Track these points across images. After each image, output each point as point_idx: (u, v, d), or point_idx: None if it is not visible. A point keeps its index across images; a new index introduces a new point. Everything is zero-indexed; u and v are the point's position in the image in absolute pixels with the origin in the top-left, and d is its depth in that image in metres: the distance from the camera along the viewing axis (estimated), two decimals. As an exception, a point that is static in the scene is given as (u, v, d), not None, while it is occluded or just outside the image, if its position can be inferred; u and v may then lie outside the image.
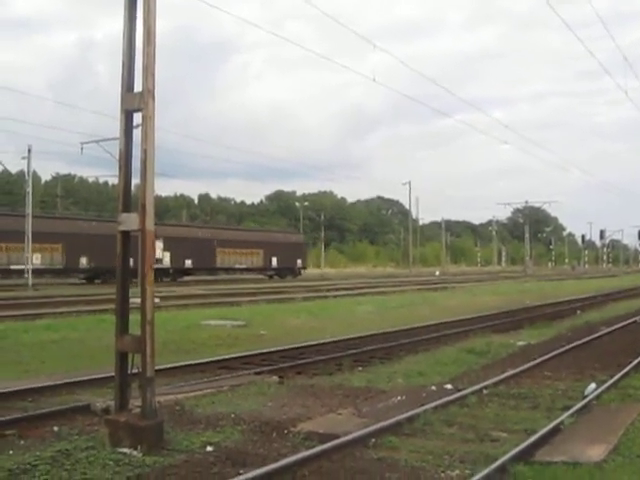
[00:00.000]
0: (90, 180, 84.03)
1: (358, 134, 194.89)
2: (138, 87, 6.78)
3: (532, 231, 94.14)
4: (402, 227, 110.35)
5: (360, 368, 11.76)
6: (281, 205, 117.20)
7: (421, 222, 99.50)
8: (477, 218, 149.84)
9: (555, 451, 6.38)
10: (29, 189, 42.09)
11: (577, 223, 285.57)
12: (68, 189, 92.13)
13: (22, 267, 41.29)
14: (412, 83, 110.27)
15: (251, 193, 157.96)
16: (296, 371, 11.30)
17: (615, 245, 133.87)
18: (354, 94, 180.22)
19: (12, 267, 43.04)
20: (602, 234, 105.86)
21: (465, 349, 13.89)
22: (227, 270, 59.15)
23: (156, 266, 6.79)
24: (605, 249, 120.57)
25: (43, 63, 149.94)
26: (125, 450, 6.21)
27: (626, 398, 8.94)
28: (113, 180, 58.46)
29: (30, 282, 39.14)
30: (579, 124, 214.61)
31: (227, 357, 12.36)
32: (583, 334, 15.99)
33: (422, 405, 7.99)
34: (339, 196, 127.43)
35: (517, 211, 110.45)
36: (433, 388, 9.55)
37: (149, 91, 6.62)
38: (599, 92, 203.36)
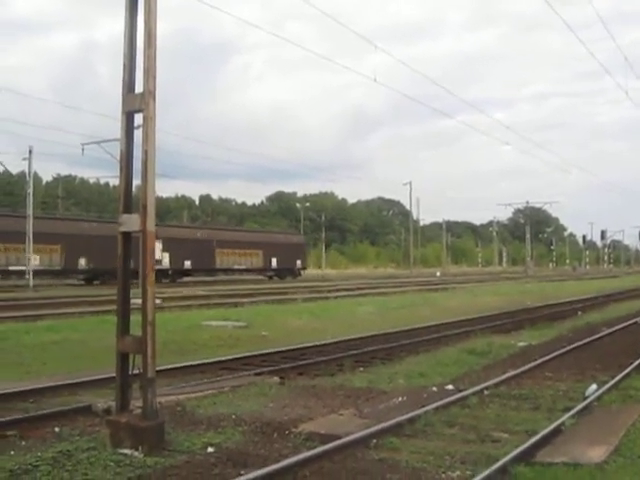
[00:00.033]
0: (91, 181, 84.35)
1: (359, 135, 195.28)
2: (139, 88, 6.79)
3: (533, 232, 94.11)
4: (403, 228, 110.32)
5: (361, 369, 11.77)
6: (282, 206, 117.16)
7: (422, 223, 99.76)
8: (478, 219, 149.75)
9: (556, 452, 6.37)
10: (30, 190, 42.07)
11: (578, 223, 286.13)
12: (69, 190, 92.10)
13: (21, 268, 41.27)
14: (413, 84, 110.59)
15: (252, 194, 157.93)
16: (297, 372, 11.31)
17: (616, 245, 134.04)
18: (355, 95, 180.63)
19: (11, 268, 43.01)
20: (603, 234, 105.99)
21: (466, 350, 13.88)
22: (226, 271, 59.05)
23: (155, 267, 6.79)
24: (606, 249, 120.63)
25: (44, 64, 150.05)
26: (126, 451, 6.21)
27: (627, 399, 8.93)
28: (114, 181, 58.39)
29: (31, 283, 39.16)
30: (580, 124, 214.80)
31: (228, 358, 12.37)
32: (584, 335, 15.98)
33: (423, 406, 7.99)
34: (340, 197, 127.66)
35: (518, 212, 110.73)
36: (434, 389, 9.55)
37: (150, 92, 6.63)
38: (600, 92, 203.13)
